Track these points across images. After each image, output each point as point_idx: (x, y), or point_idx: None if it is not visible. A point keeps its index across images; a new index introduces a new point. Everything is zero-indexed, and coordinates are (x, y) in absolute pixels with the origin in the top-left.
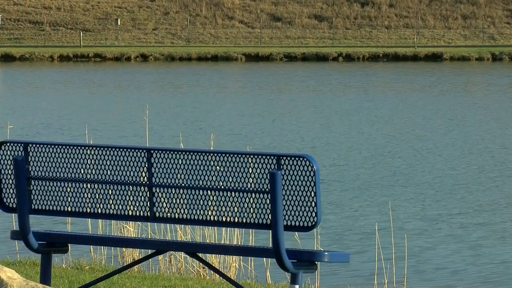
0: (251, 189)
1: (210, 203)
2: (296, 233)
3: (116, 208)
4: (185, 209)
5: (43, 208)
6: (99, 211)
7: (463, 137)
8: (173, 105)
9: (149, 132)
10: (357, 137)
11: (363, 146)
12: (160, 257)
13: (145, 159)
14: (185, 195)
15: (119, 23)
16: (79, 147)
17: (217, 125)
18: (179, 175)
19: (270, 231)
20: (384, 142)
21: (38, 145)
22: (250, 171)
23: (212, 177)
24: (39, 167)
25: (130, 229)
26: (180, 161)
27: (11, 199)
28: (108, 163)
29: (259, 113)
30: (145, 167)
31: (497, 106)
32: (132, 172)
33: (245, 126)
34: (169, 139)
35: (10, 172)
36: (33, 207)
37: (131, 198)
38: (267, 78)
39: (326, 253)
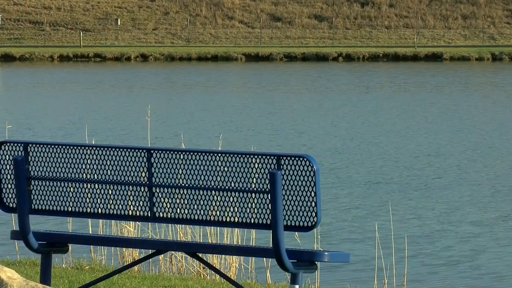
0: (251, 189)
1: (210, 203)
2: (296, 233)
3: (116, 208)
4: (185, 209)
5: (43, 208)
6: (99, 211)
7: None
8: (180, 105)
9: (156, 132)
10: (357, 137)
11: (364, 146)
12: (160, 257)
13: (145, 159)
14: (185, 195)
15: (119, 23)
16: (79, 147)
17: (220, 125)
18: (179, 175)
19: (270, 231)
20: (386, 142)
21: (38, 145)
22: (250, 171)
23: (212, 177)
24: (39, 167)
25: (130, 229)
26: (180, 161)
27: (11, 199)
28: (108, 163)
29: (261, 113)
30: (145, 167)
31: None
32: (132, 172)
33: (246, 126)
34: (172, 139)
35: (10, 172)
36: (33, 207)
37: (131, 198)
38: (275, 79)
39: (326, 253)
